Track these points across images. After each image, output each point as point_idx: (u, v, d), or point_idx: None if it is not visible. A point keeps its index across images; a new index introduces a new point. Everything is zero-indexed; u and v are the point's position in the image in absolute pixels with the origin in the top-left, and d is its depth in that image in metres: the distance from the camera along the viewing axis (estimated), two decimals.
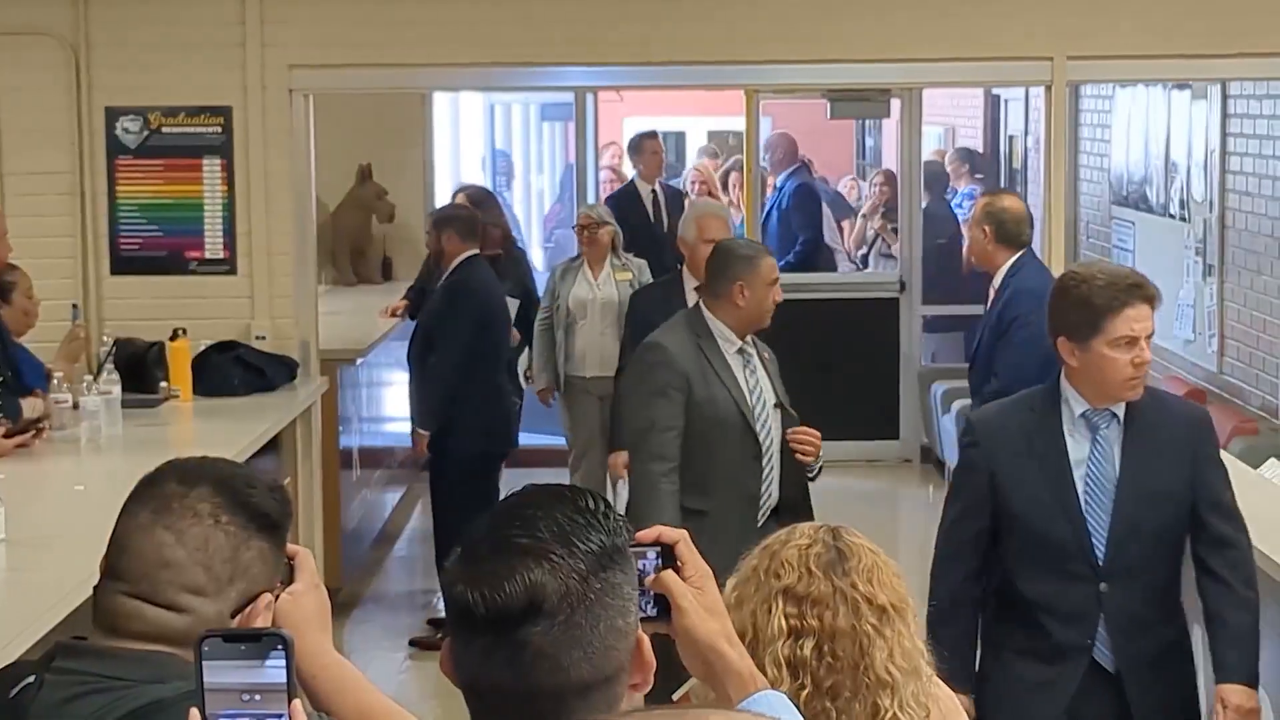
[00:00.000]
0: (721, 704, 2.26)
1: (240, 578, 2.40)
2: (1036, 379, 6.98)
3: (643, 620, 2.14)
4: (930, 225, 12.21)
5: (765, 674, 2.70)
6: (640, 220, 11.08)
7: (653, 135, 12.19)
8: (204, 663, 1.96)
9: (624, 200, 11.37)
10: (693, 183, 12.89)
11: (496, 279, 8.53)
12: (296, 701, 1.95)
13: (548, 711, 1.94)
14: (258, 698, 1.95)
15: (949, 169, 13.59)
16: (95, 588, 2.45)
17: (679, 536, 2.25)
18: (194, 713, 1.96)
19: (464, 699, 2.02)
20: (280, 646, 1.96)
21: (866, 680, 2.73)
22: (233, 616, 2.40)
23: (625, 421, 6.34)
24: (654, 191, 11.46)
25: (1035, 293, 7.04)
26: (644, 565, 2.21)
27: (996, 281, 7.17)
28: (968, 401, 9.48)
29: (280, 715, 1.95)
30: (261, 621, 2.41)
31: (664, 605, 2.22)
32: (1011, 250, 7.13)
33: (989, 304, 7.23)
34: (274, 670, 1.96)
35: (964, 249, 12.60)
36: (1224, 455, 4.99)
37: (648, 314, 7.18)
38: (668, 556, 2.24)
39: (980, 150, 14.34)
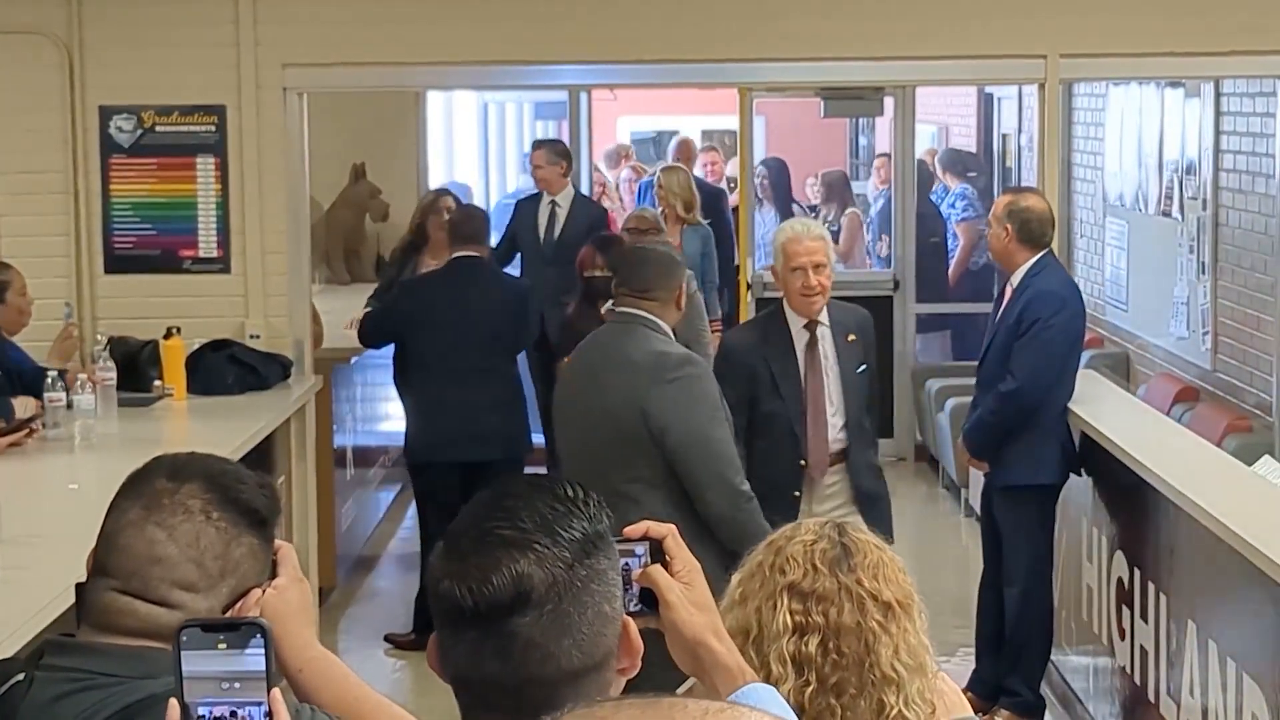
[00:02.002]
0: (711, 698, 2.26)
1: (231, 574, 2.40)
2: (1055, 381, 7.04)
3: (632, 615, 2.14)
4: (917, 225, 12.25)
5: (770, 670, 2.70)
6: (527, 234, 10.28)
7: (540, 145, 10.74)
8: (183, 652, 1.95)
9: (521, 208, 10.62)
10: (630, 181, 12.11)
11: (459, 284, 8.07)
12: (276, 690, 1.94)
13: (540, 701, 1.95)
14: (237, 686, 1.95)
15: (935, 170, 13.60)
16: (82, 585, 2.44)
17: (667, 531, 2.26)
18: (173, 703, 1.95)
19: (453, 693, 2.03)
20: (259, 635, 1.96)
21: (872, 677, 2.73)
22: (223, 613, 2.40)
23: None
24: (553, 203, 10.25)
25: (1056, 295, 7.05)
26: (632, 561, 2.21)
27: (1015, 281, 7.12)
28: (961, 399, 9.50)
29: (260, 703, 1.95)
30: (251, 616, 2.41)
31: (652, 600, 2.23)
32: (1033, 250, 7.08)
33: (1004, 303, 7.20)
34: (253, 659, 1.96)
35: (958, 250, 12.71)
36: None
37: (745, 358, 6.35)
38: (656, 551, 2.25)
39: (971, 149, 14.35)
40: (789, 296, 6.40)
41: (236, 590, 2.41)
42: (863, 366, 6.46)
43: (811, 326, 6.41)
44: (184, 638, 1.96)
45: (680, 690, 2.57)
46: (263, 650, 1.96)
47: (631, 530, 2.23)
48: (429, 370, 8.05)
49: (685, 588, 2.24)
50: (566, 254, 9.46)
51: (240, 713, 1.93)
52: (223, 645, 1.96)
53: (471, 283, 8.10)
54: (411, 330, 8.08)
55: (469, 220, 8.45)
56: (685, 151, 12.98)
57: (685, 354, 5.63)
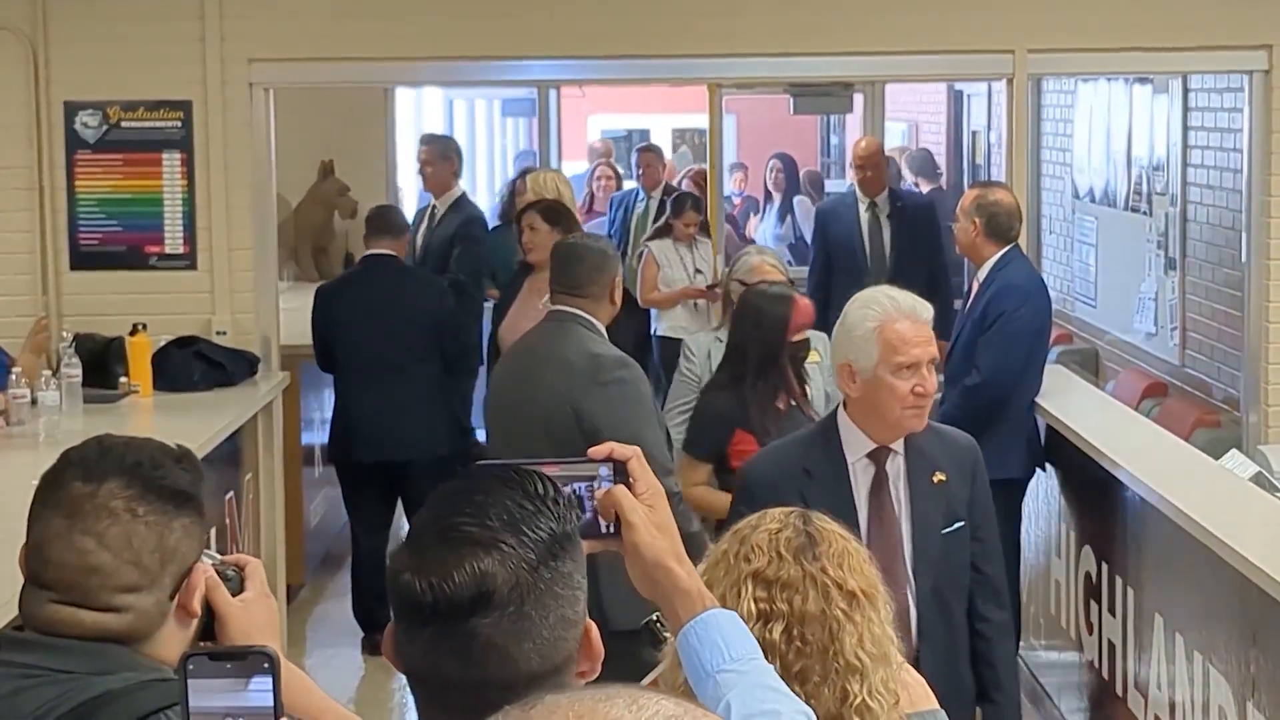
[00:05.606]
0: (671, 624, 2.24)
1: (170, 561, 2.36)
2: (1019, 374, 7.03)
3: (594, 538, 2.11)
4: None
5: None
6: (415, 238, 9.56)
7: (429, 141, 9.83)
8: (189, 682, 1.87)
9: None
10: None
11: (371, 283, 8.06)
12: None
13: (496, 701, 1.90)
14: None
15: (902, 170, 13.58)
16: (21, 593, 2.39)
17: (632, 453, 2.23)
18: None
19: (408, 685, 2.00)
20: (267, 665, 1.87)
21: (836, 665, 2.72)
22: (171, 598, 2.37)
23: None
24: (433, 207, 9.57)
25: (1022, 289, 7.05)
26: (595, 482, 2.18)
27: (981, 275, 7.13)
28: None
29: None
30: (201, 592, 2.38)
31: (615, 523, 2.20)
32: (1000, 244, 7.09)
33: (971, 297, 7.20)
34: (259, 693, 1.86)
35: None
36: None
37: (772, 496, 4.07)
38: (620, 473, 2.21)
39: (941, 146, 14.35)
40: (878, 408, 4.30)
41: (179, 574, 2.38)
42: (957, 525, 4.34)
43: (880, 457, 4.33)
44: (190, 666, 1.87)
45: (646, 680, 2.55)
46: (270, 682, 1.86)
47: (596, 451, 2.20)
48: (348, 370, 8.12)
49: (648, 510, 2.21)
50: (430, 262, 9.32)
51: None
52: (229, 674, 1.85)
53: (383, 281, 8.09)
54: (331, 332, 8.14)
55: (380, 215, 8.42)
56: (871, 156, 9.76)
57: (620, 356, 5.59)
